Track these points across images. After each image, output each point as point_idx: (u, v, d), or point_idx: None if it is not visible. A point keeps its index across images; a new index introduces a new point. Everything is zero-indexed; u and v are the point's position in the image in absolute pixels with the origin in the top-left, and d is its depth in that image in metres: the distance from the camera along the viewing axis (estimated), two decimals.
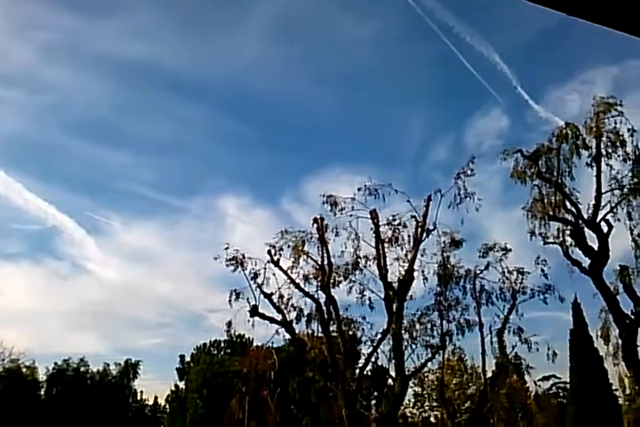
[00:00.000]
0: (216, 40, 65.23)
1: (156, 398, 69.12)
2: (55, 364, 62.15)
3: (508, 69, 44.13)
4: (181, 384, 60.80)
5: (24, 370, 59.13)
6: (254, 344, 36.72)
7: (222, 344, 58.32)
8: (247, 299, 22.51)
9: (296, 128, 74.01)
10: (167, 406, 65.43)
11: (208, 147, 78.23)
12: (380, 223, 22.82)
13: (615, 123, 20.69)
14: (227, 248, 23.14)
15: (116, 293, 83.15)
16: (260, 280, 22.83)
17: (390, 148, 70.73)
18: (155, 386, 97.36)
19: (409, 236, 22.83)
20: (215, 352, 58.56)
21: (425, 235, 22.66)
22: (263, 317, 22.60)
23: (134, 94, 71.55)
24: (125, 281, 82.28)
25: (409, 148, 75.43)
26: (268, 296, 22.70)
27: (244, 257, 23.02)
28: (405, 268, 22.48)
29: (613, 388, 37.73)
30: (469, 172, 22.16)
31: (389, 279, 22.49)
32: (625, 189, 20.95)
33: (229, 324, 22.95)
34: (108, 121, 74.22)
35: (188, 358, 61.33)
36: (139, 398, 68.06)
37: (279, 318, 22.78)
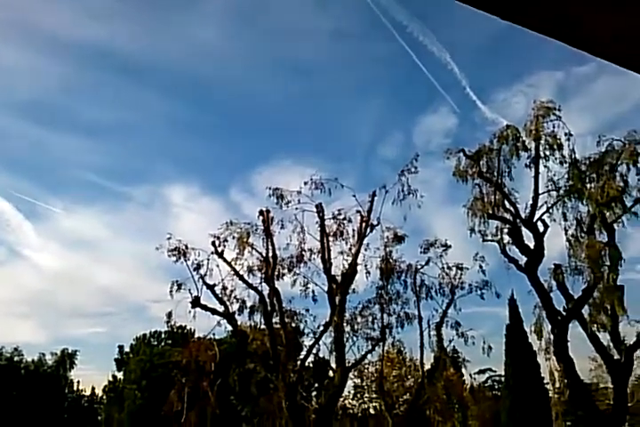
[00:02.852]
0: (171, 24, 63.63)
1: (93, 388, 67.99)
2: None
3: (457, 70, 44.93)
4: (120, 375, 59.93)
5: None
6: (196, 336, 36.49)
7: (163, 335, 57.65)
8: (189, 290, 22.44)
9: (248, 117, 73.41)
10: (105, 397, 64.34)
11: (157, 133, 76.54)
12: (326, 217, 23.06)
13: (554, 127, 21.46)
14: (169, 238, 23.01)
15: (55, 280, 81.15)
16: (202, 271, 22.78)
17: (342, 141, 71.05)
18: (93, 376, 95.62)
19: (353, 230, 23.16)
20: (155, 343, 57.80)
21: (369, 230, 23.02)
22: (205, 308, 22.53)
23: (83, 76, 69.08)
24: (66, 269, 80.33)
25: (360, 142, 75.72)
26: (211, 288, 22.64)
27: (186, 247, 22.90)
28: (349, 262, 22.78)
29: (545, 381, 39.08)
30: (413, 169, 22.57)
31: (333, 273, 22.75)
32: (561, 191, 21.77)
33: (169, 315, 22.82)
34: (55, 103, 71.94)
35: (127, 349, 60.47)
36: (75, 388, 66.77)
37: (221, 309, 22.77)
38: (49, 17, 60.03)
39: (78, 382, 66.64)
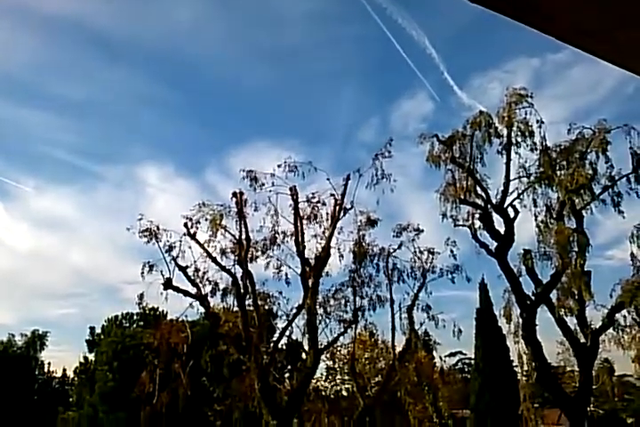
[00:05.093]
0: (148, 2, 62.03)
1: (64, 370, 67.48)
2: None
3: (436, 54, 44.84)
4: (91, 356, 59.60)
5: None
6: (168, 317, 36.42)
7: (135, 317, 57.33)
8: (161, 271, 22.33)
9: (225, 99, 72.47)
10: (76, 379, 63.97)
11: (132, 112, 74.75)
12: (300, 200, 23.08)
13: (526, 114, 21.72)
14: (140, 219, 22.82)
15: (26, 261, 79.81)
16: (175, 253, 22.68)
17: (319, 125, 70.57)
18: (65, 358, 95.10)
19: (327, 213, 23.21)
20: (127, 325, 57.50)
21: (342, 213, 23.10)
22: (177, 290, 22.45)
23: (56, 51, 66.76)
24: (37, 249, 79.00)
25: (337, 125, 75.22)
26: (183, 269, 22.56)
27: (158, 229, 22.74)
28: (322, 245, 22.86)
29: (513, 364, 39.76)
30: (387, 153, 22.61)
31: (306, 256, 22.83)
32: (531, 178, 22.09)
33: (141, 296, 22.69)
34: (25, 78, 69.59)
35: (99, 330, 60.11)
36: (46, 370, 66.23)
37: (194, 291, 22.72)
38: None
39: (49, 363, 66.05)
